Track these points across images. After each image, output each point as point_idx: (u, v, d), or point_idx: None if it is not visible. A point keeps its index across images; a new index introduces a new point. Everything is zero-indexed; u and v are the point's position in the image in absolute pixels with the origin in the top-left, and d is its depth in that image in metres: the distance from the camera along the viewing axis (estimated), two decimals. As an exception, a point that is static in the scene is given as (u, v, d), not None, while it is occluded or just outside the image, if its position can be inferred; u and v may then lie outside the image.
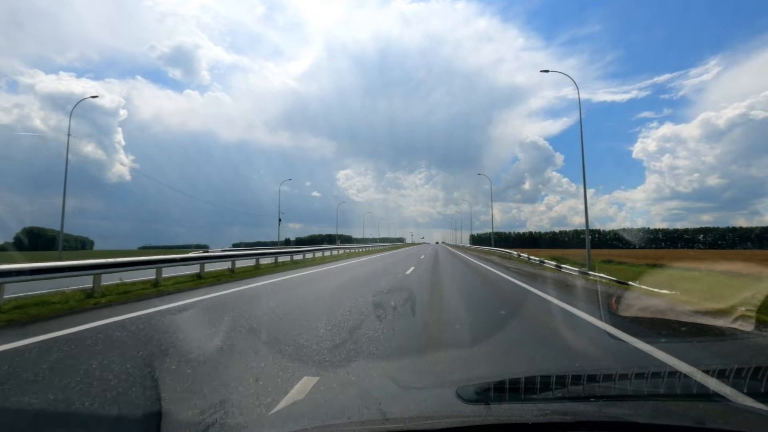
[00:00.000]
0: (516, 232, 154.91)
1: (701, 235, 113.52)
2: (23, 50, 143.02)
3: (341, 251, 33.37)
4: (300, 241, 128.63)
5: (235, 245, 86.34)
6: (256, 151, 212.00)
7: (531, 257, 22.62)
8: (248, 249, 32.25)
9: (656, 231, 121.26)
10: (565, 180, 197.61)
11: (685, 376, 3.25)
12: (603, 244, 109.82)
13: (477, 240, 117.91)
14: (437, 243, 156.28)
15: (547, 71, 20.40)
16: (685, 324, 5.61)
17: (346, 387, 3.25)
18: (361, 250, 42.09)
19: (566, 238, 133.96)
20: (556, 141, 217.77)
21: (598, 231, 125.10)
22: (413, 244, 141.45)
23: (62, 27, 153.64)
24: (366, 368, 3.75)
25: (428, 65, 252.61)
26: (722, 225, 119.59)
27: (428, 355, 4.23)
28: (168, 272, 11.49)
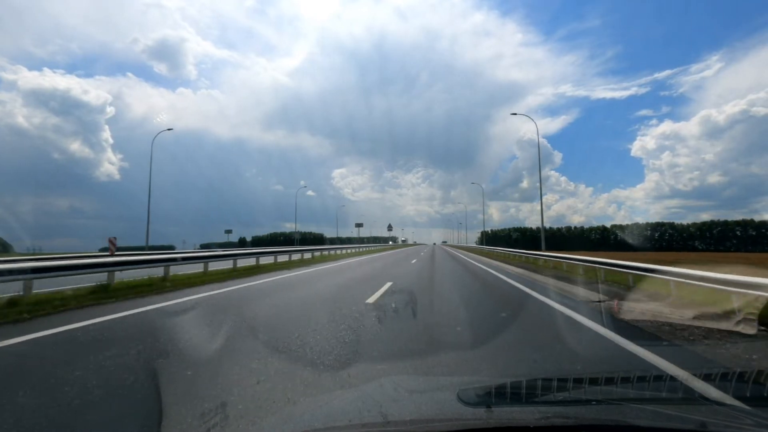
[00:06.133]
0: (525, 227, 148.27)
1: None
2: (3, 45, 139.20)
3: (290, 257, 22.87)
4: (258, 242, 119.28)
5: (203, 246, 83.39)
6: (249, 150, 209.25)
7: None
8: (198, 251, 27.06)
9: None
10: (563, 179, 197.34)
11: (687, 379, 3.26)
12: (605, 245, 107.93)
13: (491, 238, 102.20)
14: (435, 244, 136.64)
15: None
16: (687, 327, 5.60)
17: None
18: (329, 253, 32.57)
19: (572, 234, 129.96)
20: (554, 139, 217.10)
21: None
22: (405, 245, 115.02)
23: (39, 19, 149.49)
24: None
25: (425, 61, 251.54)
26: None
27: None
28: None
